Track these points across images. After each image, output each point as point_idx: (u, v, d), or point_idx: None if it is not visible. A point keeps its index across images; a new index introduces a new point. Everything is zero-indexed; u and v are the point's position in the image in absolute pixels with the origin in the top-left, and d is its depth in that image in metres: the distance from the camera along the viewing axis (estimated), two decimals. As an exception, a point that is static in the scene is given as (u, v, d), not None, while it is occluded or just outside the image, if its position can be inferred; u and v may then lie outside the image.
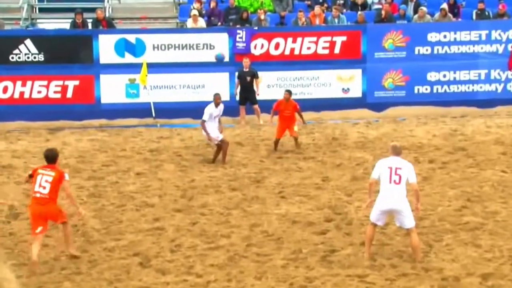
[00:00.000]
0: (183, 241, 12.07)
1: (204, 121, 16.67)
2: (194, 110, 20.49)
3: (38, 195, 11.18)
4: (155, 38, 21.59)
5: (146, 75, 20.69)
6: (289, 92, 17.98)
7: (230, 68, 21.67)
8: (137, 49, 21.38)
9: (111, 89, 21.32)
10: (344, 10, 23.64)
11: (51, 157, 11.52)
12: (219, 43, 21.64)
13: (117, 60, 21.34)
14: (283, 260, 11.20)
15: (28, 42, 21.05)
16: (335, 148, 17.95)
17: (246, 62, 20.86)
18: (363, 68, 22.05)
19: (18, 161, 16.84)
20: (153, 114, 21.10)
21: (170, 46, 21.59)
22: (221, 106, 17.00)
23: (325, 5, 23.98)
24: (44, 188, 11.15)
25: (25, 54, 21.05)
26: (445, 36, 22.10)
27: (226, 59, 21.59)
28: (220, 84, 21.00)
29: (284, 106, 17.77)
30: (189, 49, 21.64)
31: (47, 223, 11.25)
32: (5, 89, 20.96)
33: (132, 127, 20.43)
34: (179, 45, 21.63)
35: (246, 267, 10.97)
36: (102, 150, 18.01)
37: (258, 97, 20.83)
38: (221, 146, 16.68)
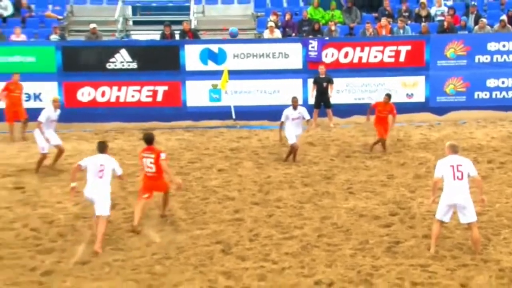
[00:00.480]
0: (260, 231, 12.16)
1: (281, 121, 16.73)
2: (270, 113, 20.64)
3: (149, 174, 12.43)
4: (235, 48, 21.76)
5: (227, 81, 20.88)
6: (388, 96, 17.73)
7: (303, 75, 21.72)
8: (219, 57, 21.61)
9: (196, 94, 21.58)
10: (409, 22, 23.40)
11: (149, 139, 12.65)
12: (293, 52, 21.71)
13: (201, 67, 21.59)
14: (351, 250, 11.20)
15: (123, 51, 21.47)
16: (400, 149, 17.82)
17: (322, 69, 20.88)
18: (427, 75, 21.81)
19: (114, 158, 17.17)
20: (234, 116, 21.28)
21: (248, 55, 21.74)
22: (300, 109, 16.79)
23: (390, 15, 23.81)
24: (151, 168, 12.36)
25: (120, 62, 21.47)
26: (504, 46, 21.70)
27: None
28: (294, 90, 21.03)
29: (382, 108, 17.55)
30: (266, 57, 21.74)
31: (153, 193, 12.54)
32: (103, 94, 21.45)
33: (214, 128, 20.64)
34: (257, 54, 21.76)
35: (318, 256, 11.01)
36: (188, 148, 18.28)
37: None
38: (292, 148, 16.73)
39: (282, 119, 16.66)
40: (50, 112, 15.77)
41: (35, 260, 10.99)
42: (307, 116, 16.94)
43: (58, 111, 16.00)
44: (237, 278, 10.25)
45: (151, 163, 12.35)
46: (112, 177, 11.95)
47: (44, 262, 10.91)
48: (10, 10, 23.88)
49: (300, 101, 18.50)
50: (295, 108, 16.73)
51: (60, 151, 15.96)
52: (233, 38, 21.49)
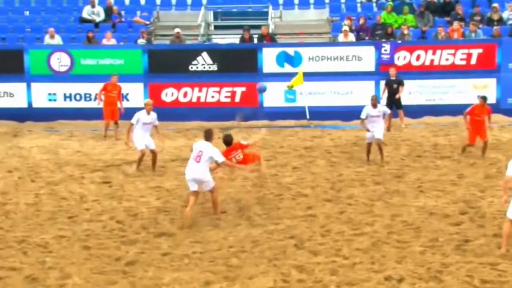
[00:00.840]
0: (332, 227, 11.99)
1: (361, 119, 16.27)
2: (343, 113, 20.53)
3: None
4: (310, 51, 21.62)
5: (302, 83, 20.64)
6: (483, 98, 16.75)
7: (375, 77, 21.40)
8: (295, 60, 21.51)
9: (272, 95, 21.52)
10: (481, 26, 22.75)
11: (228, 141, 13.16)
12: (366, 55, 21.41)
13: (278, 69, 21.54)
14: (421, 247, 10.91)
15: (204, 54, 21.62)
16: (470, 149, 17.27)
17: (392, 71, 20.49)
18: (498, 77, 21.17)
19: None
20: (308, 116, 21.14)
21: (323, 57, 21.57)
22: (380, 107, 16.34)
23: (462, 19, 23.20)
24: (240, 158, 13.18)
25: (202, 65, 21.63)
26: None
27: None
28: (366, 91, 20.75)
29: (479, 111, 16.60)
30: (340, 60, 21.52)
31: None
32: (185, 94, 21.65)
33: (289, 128, 20.52)
34: (331, 56, 21.56)
35: (388, 252, 10.78)
36: (264, 147, 18.18)
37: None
38: (370, 145, 16.33)
39: (362, 116, 16.20)
40: (141, 115, 15.62)
41: (120, 251, 11.12)
42: (388, 111, 16.75)
43: (153, 114, 15.73)
44: (310, 272, 10.11)
45: (239, 156, 13.13)
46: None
47: (128, 252, 11.02)
48: (102, 16, 24.39)
49: (372, 102, 18.26)
50: (374, 106, 16.24)
51: (154, 154, 15.75)
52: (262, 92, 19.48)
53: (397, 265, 10.27)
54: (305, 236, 11.56)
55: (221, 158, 12.29)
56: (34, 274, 10.17)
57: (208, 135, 12.51)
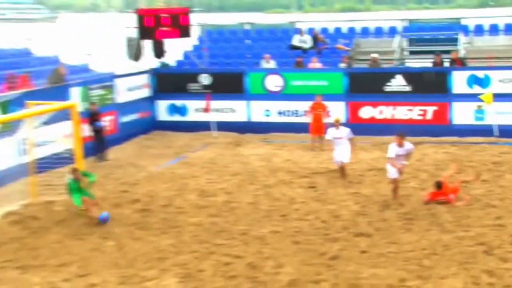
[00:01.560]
0: (522, 237, 11.40)
1: None
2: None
3: None
4: (499, 74, 20.55)
5: (491, 103, 19.67)
6: None
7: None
8: (484, 82, 20.58)
9: (462, 114, 20.74)
10: None
11: (439, 185, 13.65)
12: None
13: (468, 91, 20.69)
14: None
15: (398, 76, 21.35)
16: None
17: None
18: None
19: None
20: (497, 134, 20.11)
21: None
22: None
23: None
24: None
25: (396, 86, 21.38)
26: None
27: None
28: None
29: None
30: (530, 82, 20.28)
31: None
32: (380, 112, 21.52)
33: (478, 144, 19.63)
34: (519, 79, 20.39)
35: None
36: (454, 161, 17.59)
37: None
38: None
39: None
40: (331, 131, 16.09)
41: (324, 247, 11.38)
42: None
43: (343, 129, 15.97)
44: (500, 277, 9.70)
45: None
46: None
47: (331, 249, 11.24)
48: (309, 44, 24.98)
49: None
50: None
51: (342, 167, 15.92)
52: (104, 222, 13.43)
53: None
54: (494, 244, 11.09)
55: (391, 154, 14.02)
56: (254, 262, 10.73)
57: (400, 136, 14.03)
